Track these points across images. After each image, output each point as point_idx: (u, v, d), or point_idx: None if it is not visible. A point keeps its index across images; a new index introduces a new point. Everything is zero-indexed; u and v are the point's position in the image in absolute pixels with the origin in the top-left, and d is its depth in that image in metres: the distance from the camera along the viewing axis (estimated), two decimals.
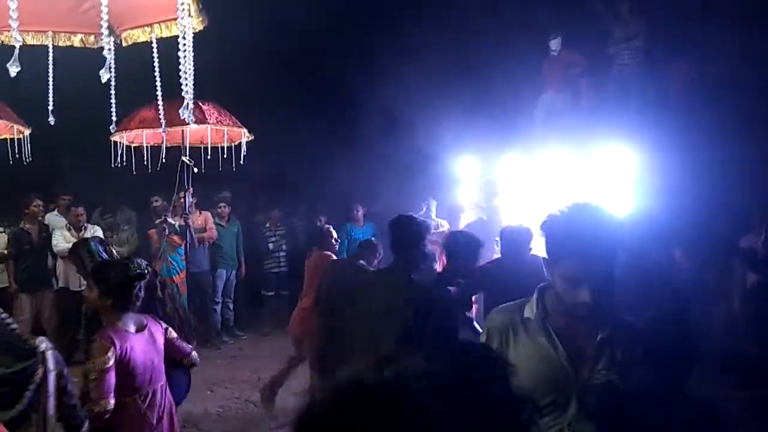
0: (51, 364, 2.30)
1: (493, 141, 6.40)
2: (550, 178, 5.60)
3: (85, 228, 6.85)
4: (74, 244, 3.85)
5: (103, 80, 2.71)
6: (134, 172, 6.52)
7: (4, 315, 2.29)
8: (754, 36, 4.84)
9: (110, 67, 2.94)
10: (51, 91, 3.40)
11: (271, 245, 8.35)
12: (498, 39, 7.04)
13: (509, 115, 6.68)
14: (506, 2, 6.97)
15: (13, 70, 2.40)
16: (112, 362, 2.78)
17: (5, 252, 6.71)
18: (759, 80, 4.83)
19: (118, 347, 2.80)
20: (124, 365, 2.82)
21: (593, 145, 4.99)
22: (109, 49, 2.67)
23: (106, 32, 2.54)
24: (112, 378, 2.77)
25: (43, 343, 2.31)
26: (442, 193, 6.80)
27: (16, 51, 2.39)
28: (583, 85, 6.74)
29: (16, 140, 5.99)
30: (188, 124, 5.06)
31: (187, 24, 2.92)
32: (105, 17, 2.54)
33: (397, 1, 8.46)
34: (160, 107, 3.97)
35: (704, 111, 4.86)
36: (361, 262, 4.96)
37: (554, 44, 6.94)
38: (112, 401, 2.78)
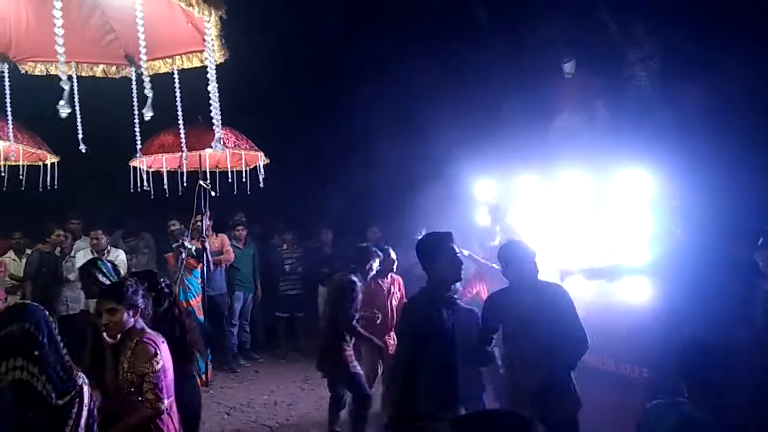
0: (86, 399, 2.40)
1: (508, 162, 6.40)
2: (566, 199, 5.58)
3: (108, 251, 6.91)
4: (86, 264, 3.92)
5: (147, 117, 2.77)
6: (152, 197, 6.60)
7: (63, 345, 2.38)
8: None
9: (135, 98, 3.03)
10: (79, 119, 3.48)
11: (287, 267, 8.38)
12: (513, 60, 7.08)
13: (525, 136, 6.67)
14: (521, 23, 7.02)
15: (64, 111, 2.47)
16: (161, 363, 2.92)
17: (22, 275, 6.79)
18: None
19: (160, 351, 2.96)
20: (165, 368, 2.96)
21: (610, 167, 4.97)
22: (150, 87, 2.71)
23: (145, 71, 2.59)
24: (163, 379, 2.92)
25: (81, 378, 2.42)
26: (459, 216, 6.79)
27: (66, 92, 2.46)
28: (599, 107, 6.73)
29: (41, 167, 6.15)
30: (211, 148, 5.14)
31: (211, 57, 2.99)
32: (144, 57, 2.59)
33: (412, 23, 8.54)
34: (182, 134, 4.07)
35: (723, 131, 4.82)
36: (352, 277, 4.96)
37: (568, 67, 6.94)
38: (167, 402, 2.93)
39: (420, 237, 3.36)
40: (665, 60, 6.22)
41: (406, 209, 7.12)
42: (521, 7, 7.19)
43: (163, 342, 3.04)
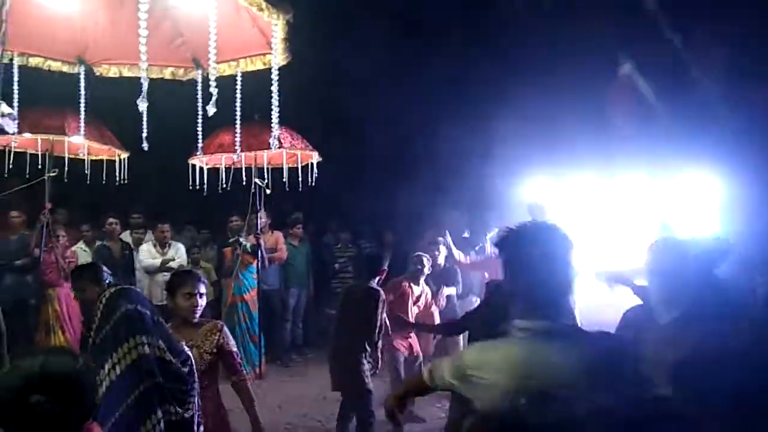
0: (194, 364, 2.60)
1: (564, 161, 6.29)
2: (624, 201, 5.45)
3: (170, 245, 7.19)
4: (81, 267, 3.71)
5: (211, 113, 2.89)
6: (206, 194, 6.81)
7: (160, 318, 2.54)
8: None
9: (200, 99, 3.17)
10: (145, 119, 3.63)
11: (337, 265, 8.48)
12: (571, 60, 6.93)
13: (582, 136, 6.54)
14: (579, 22, 6.85)
15: (143, 105, 2.63)
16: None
17: None
18: None
19: None
20: None
21: (673, 169, 4.81)
22: (216, 86, 2.82)
23: (213, 74, 2.70)
24: None
25: (185, 346, 2.63)
26: (511, 217, 6.72)
27: (145, 87, 2.61)
28: (659, 108, 6.52)
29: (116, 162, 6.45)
30: (269, 148, 5.30)
31: (276, 60, 3.08)
32: (214, 60, 2.70)
33: (466, 27, 8.47)
34: (238, 135, 4.20)
35: None
36: (374, 285, 4.77)
37: (624, 68, 6.75)
38: None
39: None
40: (733, 62, 5.96)
41: (461, 209, 7.07)
42: (580, 7, 7.02)
43: None
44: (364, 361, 4.70)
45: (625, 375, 1.70)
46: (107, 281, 3.08)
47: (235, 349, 3.18)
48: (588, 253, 4.97)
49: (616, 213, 5.48)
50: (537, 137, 6.84)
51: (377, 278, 4.84)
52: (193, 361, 2.60)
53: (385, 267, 4.96)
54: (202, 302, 3.10)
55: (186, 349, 2.60)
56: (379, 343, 4.82)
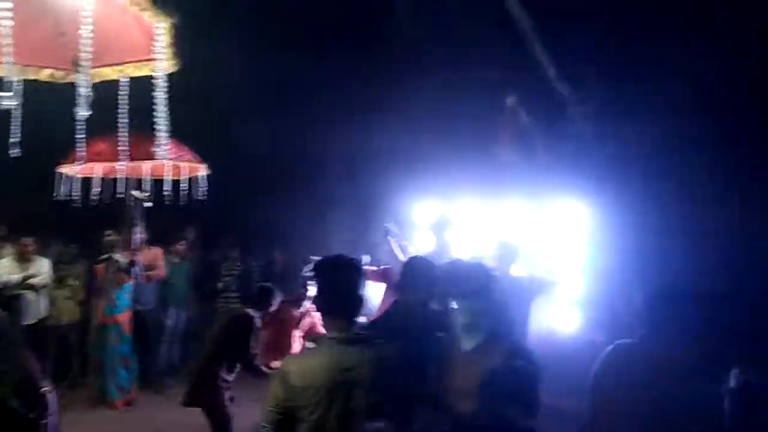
0: (52, 407, 2.28)
1: (452, 187, 6.57)
2: (506, 226, 5.78)
3: (32, 260, 6.60)
4: None
5: (84, 116, 2.70)
6: (75, 205, 6.36)
7: (22, 352, 2.27)
8: (709, 95, 5.14)
9: (81, 104, 2.93)
10: (20, 123, 3.28)
11: (221, 284, 8.17)
12: (462, 85, 7.28)
13: (468, 163, 6.90)
14: (466, 57, 7.24)
15: (9, 103, 2.38)
16: None
17: None
18: (712, 140, 5.11)
19: None
20: None
21: (548, 199, 5.20)
22: (92, 89, 2.63)
23: (91, 76, 2.51)
24: None
25: (47, 387, 2.31)
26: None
27: (14, 86, 2.37)
28: (538, 141, 7.05)
29: None
30: (151, 158, 5.00)
31: (161, 66, 2.95)
32: (88, 61, 2.52)
33: (362, 47, 8.65)
34: (125, 142, 4.00)
35: (657, 170, 5.12)
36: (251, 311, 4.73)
37: (509, 101, 7.23)
38: None
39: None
40: (604, 99, 6.58)
41: (347, 231, 7.14)
42: (465, 41, 7.43)
43: None
44: (221, 384, 4.60)
45: (401, 373, 2.25)
46: None
47: None
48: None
49: (499, 238, 5.82)
50: (429, 160, 7.10)
51: (262, 312, 4.79)
52: (49, 402, 2.26)
53: (274, 303, 4.90)
54: None
55: (45, 387, 2.27)
56: (261, 368, 4.69)
